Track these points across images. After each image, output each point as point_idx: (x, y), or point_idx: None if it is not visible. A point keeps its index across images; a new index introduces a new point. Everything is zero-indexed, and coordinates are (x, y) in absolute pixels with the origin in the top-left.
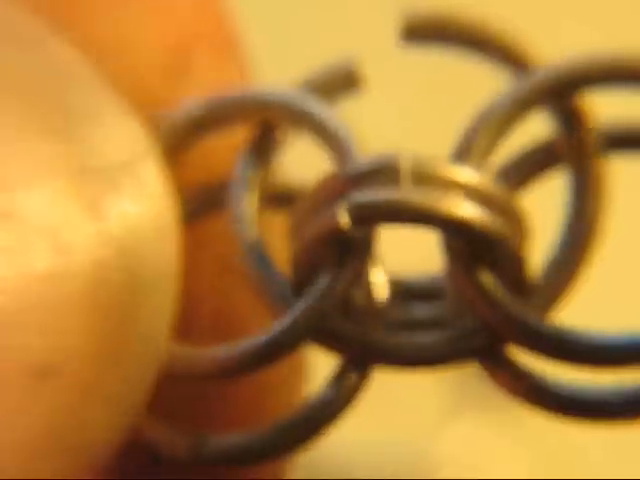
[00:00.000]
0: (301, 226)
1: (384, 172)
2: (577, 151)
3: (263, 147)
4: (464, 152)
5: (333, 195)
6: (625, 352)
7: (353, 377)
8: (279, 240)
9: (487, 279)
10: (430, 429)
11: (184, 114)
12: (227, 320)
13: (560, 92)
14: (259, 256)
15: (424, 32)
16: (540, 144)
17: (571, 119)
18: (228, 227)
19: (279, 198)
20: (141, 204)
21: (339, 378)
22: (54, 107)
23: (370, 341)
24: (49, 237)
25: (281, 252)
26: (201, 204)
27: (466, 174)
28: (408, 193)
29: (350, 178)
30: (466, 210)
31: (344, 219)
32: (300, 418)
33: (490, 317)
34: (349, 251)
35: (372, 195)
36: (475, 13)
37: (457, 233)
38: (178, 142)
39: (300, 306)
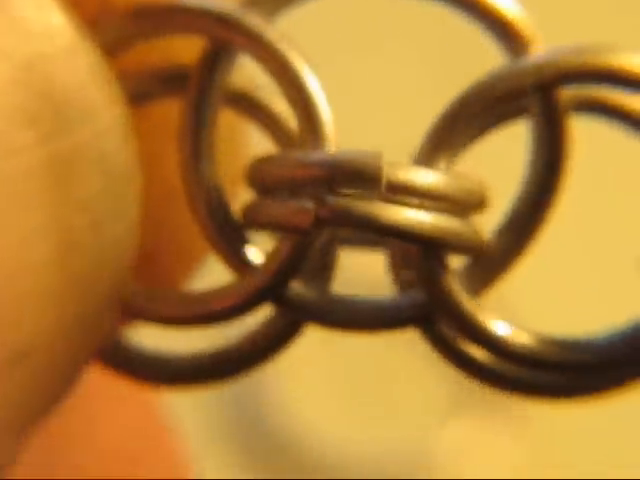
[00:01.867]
0: (266, 199)
1: (362, 177)
2: (547, 106)
3: (220, 58)
4: (438, 148)
5: (303, 185)
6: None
7: (282, 329)
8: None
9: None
10: (430, 429)
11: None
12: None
13: (542, 87)
14: (216, 202)
15: None
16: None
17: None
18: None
19: (236, 99)
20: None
21: (268, 326)
22: None
23: (305, 299)
24: None
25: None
26: (151, 89)
27: (440, 181)
28: (384, 209)
29: (325, 173)
30: (442, 225)
31: (312, 220)
32: (222, 354)
33: (429, 293)
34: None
35: (349, 205)
36: None
37: (431, 248)
38: (117, 42)
39: (261, 272)
